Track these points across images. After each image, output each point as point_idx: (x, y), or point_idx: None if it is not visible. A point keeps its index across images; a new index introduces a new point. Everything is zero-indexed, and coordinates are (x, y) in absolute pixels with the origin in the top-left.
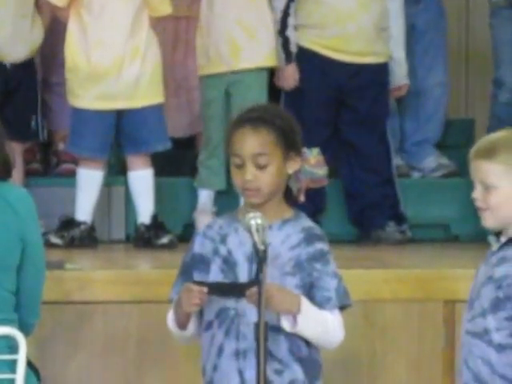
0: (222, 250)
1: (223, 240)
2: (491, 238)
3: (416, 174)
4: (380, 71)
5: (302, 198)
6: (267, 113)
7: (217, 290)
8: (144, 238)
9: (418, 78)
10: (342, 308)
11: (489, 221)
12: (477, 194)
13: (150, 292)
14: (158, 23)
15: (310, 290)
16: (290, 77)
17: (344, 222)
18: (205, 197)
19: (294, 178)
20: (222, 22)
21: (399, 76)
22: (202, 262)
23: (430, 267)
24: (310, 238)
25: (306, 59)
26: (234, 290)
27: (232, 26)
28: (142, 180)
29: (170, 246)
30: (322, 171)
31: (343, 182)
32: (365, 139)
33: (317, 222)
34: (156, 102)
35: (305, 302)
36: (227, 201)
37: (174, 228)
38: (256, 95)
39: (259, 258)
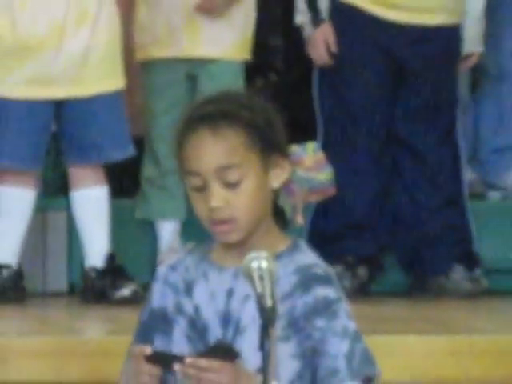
0: (187, 307)
1: (188, 290)
2: None
3: (495, 195)
4: (453, 38)
5: (299, 220)
6: (230, 103)
7: (159, 359)
8: (95, 289)
9: (503, 56)
10: (366, 382)
11: None
12: None
13: (103, 368)
14: None
15: (312, 360)
16: (321, 44)
17: (390, 264)
18: (170, 230)
19: (284, 193)
20: None
21: (470, 39)
22: (163, 321)
23: None
24: (306, 282)
25: (346, 19)
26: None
27: None
28: (92, 203)
29: (133, 300)
30: (322, 175)
31: (388, 203)
32: (423, 138)
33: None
34: (112, 88)
35: None
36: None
37: (138, 273)
38: (232, 78)
39: (265, 318)
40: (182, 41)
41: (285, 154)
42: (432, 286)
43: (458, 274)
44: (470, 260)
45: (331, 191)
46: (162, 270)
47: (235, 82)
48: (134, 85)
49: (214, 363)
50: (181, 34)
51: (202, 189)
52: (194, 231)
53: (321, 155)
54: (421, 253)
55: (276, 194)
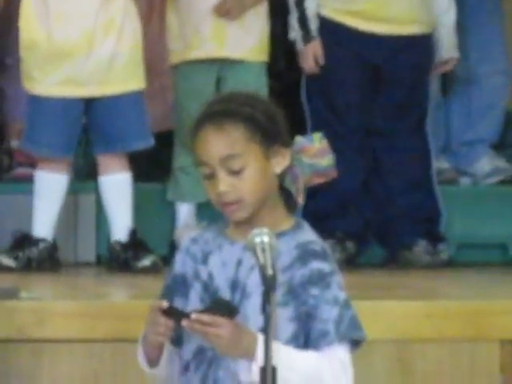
0: (203, 273)
1: (205, 259)
2: None
3: (466, 181)
4: (425, 46)
5: (300, 200)
6: (232, 102)
7: (173, 313)
8: (120, 260)
9: (470, 61)
10: (353, 344)
11: None
12: None
13: (126, 328)
14: None
15: (306, 323)
16: (311, 56)
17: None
18: (188, 211)
19: (289, 177)
20: None
21: (447, 46)
22: (183, 285)
23: (484, 298)
24: (304, 256)
25: (330, 33)
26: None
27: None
28: (117, 187)
29: (152, 270)
30: (325, 161)
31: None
32: (396, 127)
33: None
34: (135, 89)
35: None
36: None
37: (157, 247)
38: (256, 79)
39: (267, 285)
40: (209, 44)
41: (286, 144)
42: (400, 258)
43: (420, 248)
44: (433, 236)
45: (332, 174)
46: (185, 241)
47: (259, 83)
48: (167, 85)
49: (216, 318)
50: (208, 39)
51: (211, 177)
52: (208, 212)
53: (325, 144)
54: (391, 229)
55: (282, 177)
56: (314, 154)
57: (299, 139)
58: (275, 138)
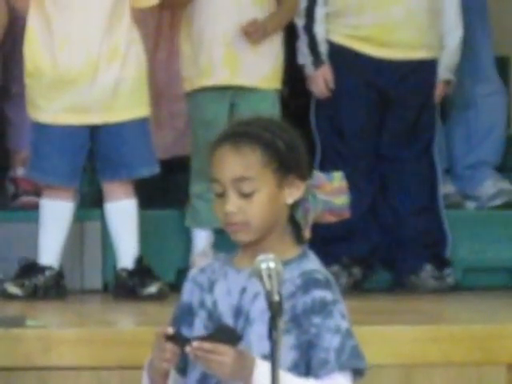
0: (208, 301)
1: (211, 288)
2: None
3: (471, 204)
4: (432, 69)
5: (307, 234)
6: (255, 126)
7: (178, 340)
8: (126, 287)
9: (465, 85)
10: (355, 373)
11: None
12: None
13: (133, 355)
14: (139, 16)
15: (307, 352)
16: (321, 81)
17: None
18: (204, 239)
19: (301, 210)
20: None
21: (448, 67)
22: (188, 314)
23: (491, 322)
24: (307, 285)
25: (339, 58)
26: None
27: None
28: (122, 213)
29: (158, 297)
30: (340, 200)
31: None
32: (404, 152)
33: None
34: (140, 115)
35: (262, 369)
36: (228, 240)
37: (164, 274)
38: (270, 107)
39: (272, 311)
40: (222, 71)
41: (302, 176)
42: (406, 283)
43: (426, 273)
44: (440, 260)
45: (345, 214)
46: (193, 271)
47: (272, 110)
48: (176, 111)
49: (218, 346)
50: (221, 66)
51: (222, 195)
52: (225, 241)
53: (344, 184)
54: (398, 253)
55: (294, 208)
56: (331, 191)
57: (318, 175)
58: (292, 168)
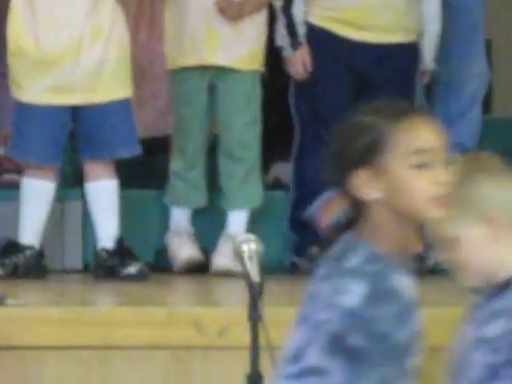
0: None
1: None
2: None
3: None
4: (411, 54)
5: None
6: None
7: None
8: (106, 267)
9: (451, 65)
10: None
11: None
12: None
13: (113, 335)
14: None
15: None
16: (299, 63)
17: None
18: (180, 216)
19: None
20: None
21: (426, 58)
22: None
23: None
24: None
25: (317, 40)
26: None
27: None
28: (103, 193)
29: (138, 277)
30: None
31: None
32: None
33: None
34: (122, 96)
35: None
36: (208, 219)
37: (144, 254)
38: (248, 89)
39: (253, 292)
40: (203, 51)
41: None
42: None
43: None
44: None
45: None
46: None
47: (251, 92)
48: (157, 91)
49: None
50: (203, 45)
51: (426, 166)
52: (203, 219)
53: None
54: None
55: None
56: None
57: None
58: None
